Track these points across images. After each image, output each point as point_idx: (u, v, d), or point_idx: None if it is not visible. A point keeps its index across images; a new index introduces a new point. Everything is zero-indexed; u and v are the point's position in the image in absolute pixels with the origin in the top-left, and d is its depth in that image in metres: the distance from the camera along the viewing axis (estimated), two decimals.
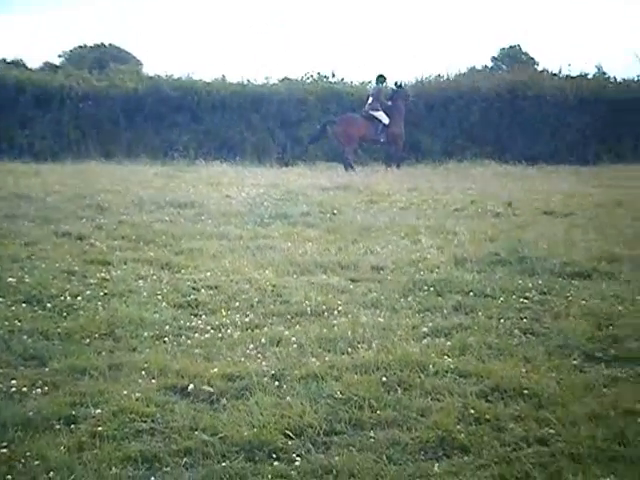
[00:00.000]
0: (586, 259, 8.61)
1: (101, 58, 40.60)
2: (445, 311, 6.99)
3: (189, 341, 6.20)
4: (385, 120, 21.70)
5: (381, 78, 22.38)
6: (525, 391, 5.04)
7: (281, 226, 11.11)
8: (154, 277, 8.03)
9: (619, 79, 25.89)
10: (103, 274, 8.03)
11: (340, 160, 21.50)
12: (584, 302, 7.09)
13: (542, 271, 8.24)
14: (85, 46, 49.13)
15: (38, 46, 78.05)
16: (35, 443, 4.31)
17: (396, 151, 22.12)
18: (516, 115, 24.95)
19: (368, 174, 19.60)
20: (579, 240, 9.74)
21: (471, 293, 7.48)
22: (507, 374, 5.32)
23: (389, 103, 21.97)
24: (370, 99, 21.94)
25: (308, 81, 26.74)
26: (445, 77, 27.20)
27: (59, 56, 48.49)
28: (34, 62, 44.41)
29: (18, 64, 36.08)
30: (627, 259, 8.63)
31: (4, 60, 40.51)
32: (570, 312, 6.81)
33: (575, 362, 5.67)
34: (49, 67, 37.10)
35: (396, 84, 23.00)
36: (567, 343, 6.09)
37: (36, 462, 4.12)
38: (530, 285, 7.71)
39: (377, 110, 21.75)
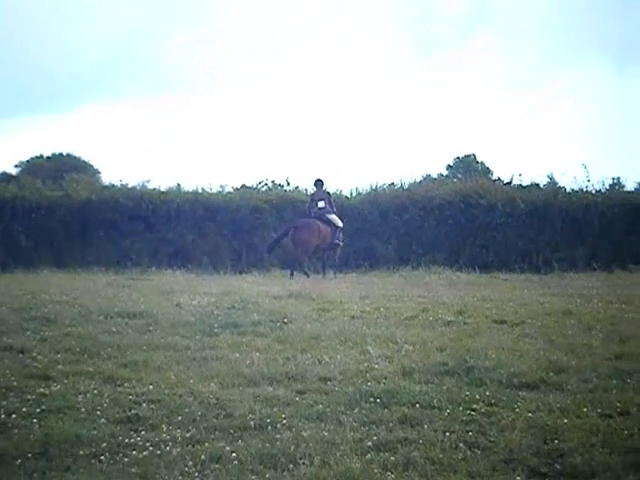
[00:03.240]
0: (534, 370, 8.55)
1: (58, 168, 40.74)
2: (391, 424, 6.86)
3: (126, 459, 6.01)
4: (340, 224, 21.84)
5: (320, 182, 22.40)
6: None
7: (230, 336, 10.96)
8: (95, 391, 7.81)
9: (569, 189, 26.44)
10: (42, 389, 7.80)
11: (293, 266, 21.44)
12: (530, 415, 7.00)
13: (490, 382, 8.17)
14: (42, 156, 49.35)
15: None
16: None
17: (335, 255, 22.16)
18: (469, 223, 25.27)
19: (321, 281, 19.62)
20: (528, 350, 9.71)
21: (417, 405, 7.37)
22: None
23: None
24: (322, 202, 21.88)
25: (263, 189, 27.00)
26: (399, 185, 27.62)
27: (15, 166, 48.65)
28: None
29: None
30: (574, 370, 8.59)
31: None
32: (516, 425, 6.72)
33: (519, 478, 5.58)
34: (5, 178, 37.11)
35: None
36: (512, 457, 6.00)
37: None
38: (477, 396, 7.62)
39: (331, 213, 21.85)
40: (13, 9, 72.68)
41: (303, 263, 21.53)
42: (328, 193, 22.53)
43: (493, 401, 7.52)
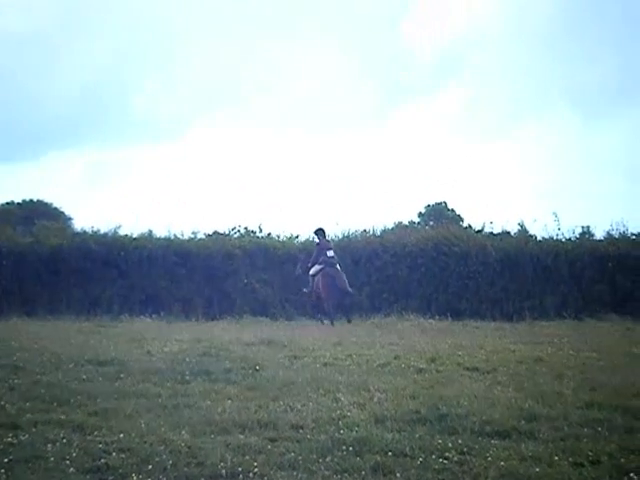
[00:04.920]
0: (506, 418, 8.57)
1: (29, 214, 40.50)
2: (363, 472, 6.85)
3: None
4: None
5: (322, 231, 22.66)
6: None
7: (201, 383, 10.89)
8: (64, 440, 7.72)
9: (540, 237, 26.62)
10: (10, 439, 7.70)
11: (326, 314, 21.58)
12: (503, 463, 7.00)
13: (462, 430, 8.17)
14: (12, 202, 49.05)
15: None
16: None
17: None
18: (441, 271, 25.33)
19: (294, 328, 19.59)
20: (500, 398, 9.72)
21: (390, 453, 7.35)
22: None
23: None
24: (331, 252, 22.13)
25: (235, 235, 26.97)
26: (371, 232, 27.67)
27: None
28: None
29: None
30: (546, 418, 8.62)
31: None
32: (489, 474, 6.72)
33: None
34: None
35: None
36: None
37: None
38: (450, 445, 7.62)
39: (337, 262, 22.07)
40: None
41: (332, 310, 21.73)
42: (330, 242, 22.79)
43: (465, 449, 7.51)
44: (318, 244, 22.49)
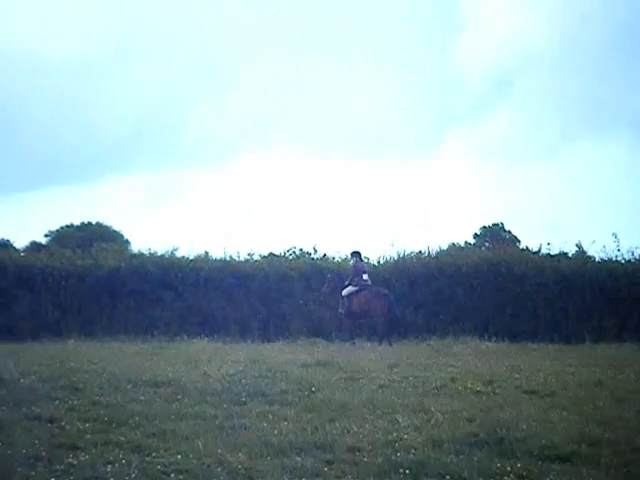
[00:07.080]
0: (566, 441, 8.44)
1: (87, 237, 41.11)
2: None
3: None
4: None
5: (358, 254, 22.80)
6: None
7: (258, 405, 10.91)
8: (123, 461, 7.79)
9: (599, 258, 26.23)
10: (70, 459, 7.79)
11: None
12: None
13: (521, 454, 8.08)
14: (72, 225, 49.73)
15: (28, 226, 78.72)
16: None
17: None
18: (499, 292, 25.10)
19: (349, 349, 19.56)
20: (559, 421, 9.59)
21: (448, 477, 7.30)
22: None
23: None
24: (366, 275, 22.34)
25: (290, 257, 27.06)
26: (426, 253, 27.51)
27: (45, 235, 49.00)
28: (22, 242, 44.35)
29: (6, 245, 36.38)
30: (607, 442, 8.46)
31: None
32: None
33: None
34: (35, 247, 37.38)
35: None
36: None
37: None
38: (509, 468, 7.53)
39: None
40: (41, 89, 73.99)
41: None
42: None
43: (525, 473, 7.43)
44: (354, 266, 22.57)
